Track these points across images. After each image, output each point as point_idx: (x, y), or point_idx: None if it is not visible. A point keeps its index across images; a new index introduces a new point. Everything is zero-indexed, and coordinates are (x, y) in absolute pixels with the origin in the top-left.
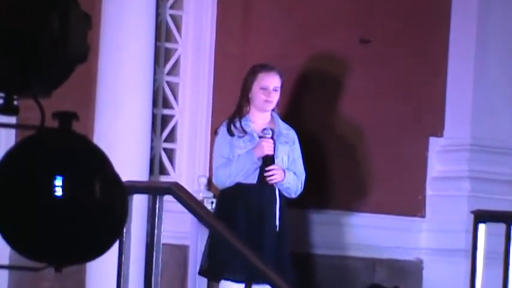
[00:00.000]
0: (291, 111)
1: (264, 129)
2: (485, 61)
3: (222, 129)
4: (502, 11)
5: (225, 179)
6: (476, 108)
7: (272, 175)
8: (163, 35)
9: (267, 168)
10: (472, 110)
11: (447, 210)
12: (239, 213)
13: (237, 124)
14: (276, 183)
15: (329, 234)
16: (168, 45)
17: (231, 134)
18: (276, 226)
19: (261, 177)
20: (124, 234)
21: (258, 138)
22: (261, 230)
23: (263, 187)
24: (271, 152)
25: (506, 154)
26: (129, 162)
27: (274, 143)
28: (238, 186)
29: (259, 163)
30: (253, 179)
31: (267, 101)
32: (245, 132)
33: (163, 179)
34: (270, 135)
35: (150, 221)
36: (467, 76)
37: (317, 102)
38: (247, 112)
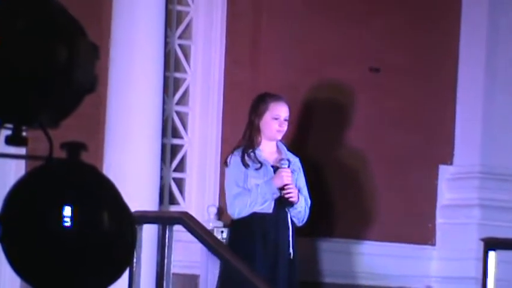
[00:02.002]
0: (299, 140)
1: (281, 159)
2: (494, 89)
3: (235, 159)
4: (511, 41)
5: (242, 209)
6: (485, 136)
7: (291, 193)
8: (172, 64)
9: (286, 187)
10: (482, 137)
11: (457, 238)
12: (255, 243)
13: (251, 155)
14: (294, 202)
15: (338, 263)
16: (177, 74)
17: (245, 165)
18: (290, 254)
19: (277, 206)
20: (134, 264)
21: (271, 168)
22: (276, 258)
23: (278, 215)
24: (289, 182)
25: None
26: (138, 192)
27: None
28: (254, 216)
29: (278, 193)
30: (268, 209)
31: (279, 131)
32: (260, 162)
33: (173, 208)
34: (287, 165)
35: (160, 250)
36: (476, 104)
37: (326, 132)
38: (259, 143)
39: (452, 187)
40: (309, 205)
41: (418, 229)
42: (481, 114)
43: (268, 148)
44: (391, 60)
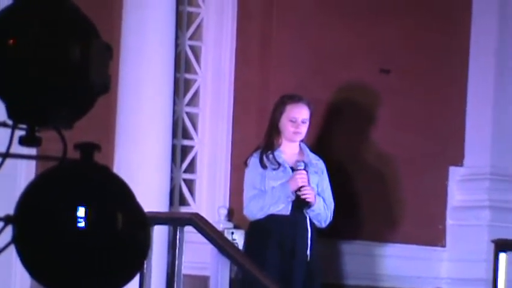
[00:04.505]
0: (314, 141)
1: (297, 161)
2: (504, 91)
3: (253, 161)
4: None
5: (257, 211)
6: (495, 137)
7: (307, 194)
8: (182, 65)
9: (302, 189)
10: (492, 139)
11: (467, 239)
12: (272, 245)
13: (270, 156)
14: (311, 203)
15: (352, 264)
16: (188, 75)
17: (263, 166)
18: (307, 256)
19: (295, 208)
20: (145, 265)
21: (290, 170)
22: (292, 260)
23: (296, 218)
24: (305, 184)
25: None
26: (149, 193)
27: (307, 175)
28: (271, 218)
29: (293, 196)
30: (286, 211)
31: (295, 133)
32: (278, 163)
33: (183, 210)
34: (302, 168)
35: (171, 251)
36: (487, 105)
37: (338, 133)
38: (279, 144)
39: (462, 189)
40: (332, 207)
41: (429, 230)
42: (491, 116)
43: (290, 149)
44: (402, 62)
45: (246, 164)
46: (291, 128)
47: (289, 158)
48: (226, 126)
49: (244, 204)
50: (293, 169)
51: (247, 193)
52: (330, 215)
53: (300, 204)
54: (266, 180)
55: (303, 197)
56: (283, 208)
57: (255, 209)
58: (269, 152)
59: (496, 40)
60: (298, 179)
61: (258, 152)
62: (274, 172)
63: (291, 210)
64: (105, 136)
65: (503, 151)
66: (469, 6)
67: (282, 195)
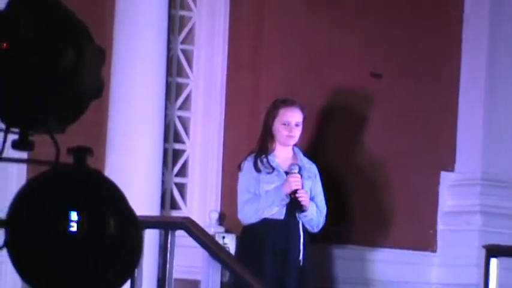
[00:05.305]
0: (306, 145)
1: (291, 164)
2: (495, 95)
3: (247, 165)
4: None
5: (251, 215)
6: (487, 142)
7: (302, 197)
8: (174, 69)
9: (298, 191)
10: (483, 144)
11: (458, 244)
12: (265, 249)
13: (264, 160)
14: (305, 206)
15: (349, 269)
16: (180, 79)
17: (257, 170)
18: (300, 261)
19: (289, 213)
20: (136, 269)
21: (284, 174)
22: (285, 265)
23: (289, 222)
24: (299, 187)
25: None
26: (140, 197)
27: (301, 178)
28: (265, 222)
29: (287, 200)
30: (280, 215)
31: (289, 136)
32: (272, 167)
33: (175, 213)
34: (297, 171)
35: (162, 255)
36: (478, 110)
37: (330, 137)
38: (273, 148)
39: (453, 194)
40: (325, 212)
41: (420, 235)
42: (482, 121)
43: (284, 154)
44: (393, 65)
45: (240, 168)
46: (284, 132)
47: (283, 162)
48: (218, 130)
49: (239, 209)
50: (287, 173)
51: (242, 197)
52: (322, 220)
53: (294, 208)
54: (260, 184)
55: (299, 199)
56: (277, 212)
57: (249, 213)
58: (263, 156)
59: (487, 44)
60: (292, 182)
61: (252, 156)
62: (268, 176)
63: (285, 214)
64: (96, 139)
65: (494, 156)
66: (460, 10)
67: (276, 199)
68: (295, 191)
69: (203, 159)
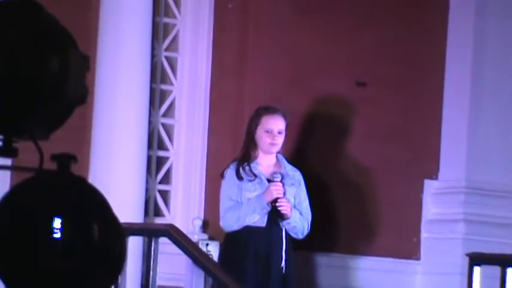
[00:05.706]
0: (290, 152)
1: (274, 173)
2: (479, 105)
3: (230, 172)
4: (496, 57)
5: (233, 223)
6: (471, 151)
7: (283, 206)
8: (158, 76)
9: (278, 200)
10: (467, 153)
11: (442, 252)
12: (247, 256)
13: (246, 168)
14: (286, 215)
15: (332, 277)
16: (164, 86)
17: (239, 178)
18: (282, 268)
19: (271, 220)
20: (119, 276)
21: (266, 181)
22: (267, 272)
23: (271, 229)
24: (280, 196)
25: (501, 197)
26: (124, 203)
27: (284, 187)
28: (247, 229)
29: (269, 208)
30: (261, 223)
31: (272, 144)
32: (254, 175)
33: (158, 220)
34: (279, 179)
35: (146, 262)
36: (462, 119)
37: (314, 144)
38: (256, 156)
39: (437, 202)
40: (309, 219)
41: (403, 243)
42: (466, 129)
43: (267, 161)
44: (378, 74)
45: (222, 176)
46: (267, 140)
47: (266, 170)
48: (202, 137)
49: (221, 216)
50: (269, 180)
51: (224, 204)
52: (307, 227)
53: (276, 216)
54: (242, 192)
55: (279, 208)
56: (259, 220)
57: (231, 221)
58: (245, 163)
59: (472, 54)
60: (273, 191)
61: (235, 163)
62: (250, 184)
63: (267, 222)
64: (80, 146)
65: (478, 165)
66: (445, 20)
67: (258, 207)
68: (276, 199)
69: (187, 167)
